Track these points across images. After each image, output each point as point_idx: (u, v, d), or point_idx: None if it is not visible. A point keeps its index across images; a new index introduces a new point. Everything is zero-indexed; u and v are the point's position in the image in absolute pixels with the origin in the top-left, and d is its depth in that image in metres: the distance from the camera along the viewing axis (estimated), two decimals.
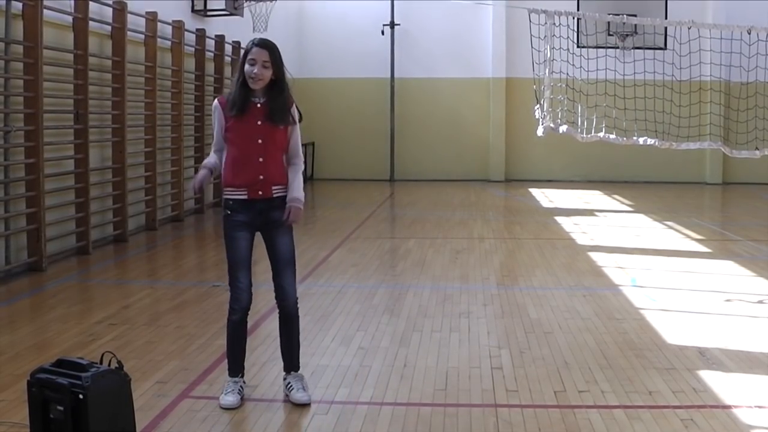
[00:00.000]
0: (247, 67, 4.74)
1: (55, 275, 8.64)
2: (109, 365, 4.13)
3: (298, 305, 5.05)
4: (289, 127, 4.88)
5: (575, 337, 6.42)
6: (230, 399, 4.86)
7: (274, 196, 4.83)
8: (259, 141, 4.78)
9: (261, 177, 4.78)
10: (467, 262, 9.71)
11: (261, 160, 4.78)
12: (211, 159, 4.97)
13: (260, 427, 4.57)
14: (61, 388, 3.91)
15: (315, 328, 6.52)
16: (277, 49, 4.82)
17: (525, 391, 5.15)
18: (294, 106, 4.90)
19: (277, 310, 5.06)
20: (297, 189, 4.89)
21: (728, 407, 4.86)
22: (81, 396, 3.88)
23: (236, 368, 5.01)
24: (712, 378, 5.39)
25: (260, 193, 4.80)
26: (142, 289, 8.11)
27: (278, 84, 4.79)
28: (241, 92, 4.77)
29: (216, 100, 4.95)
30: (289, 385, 4.98)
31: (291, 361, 5.04)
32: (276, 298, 4.99)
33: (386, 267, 9.66)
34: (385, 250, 10.82)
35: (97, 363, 4.11)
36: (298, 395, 4.90)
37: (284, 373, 5.06)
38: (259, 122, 4.78)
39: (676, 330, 6.61)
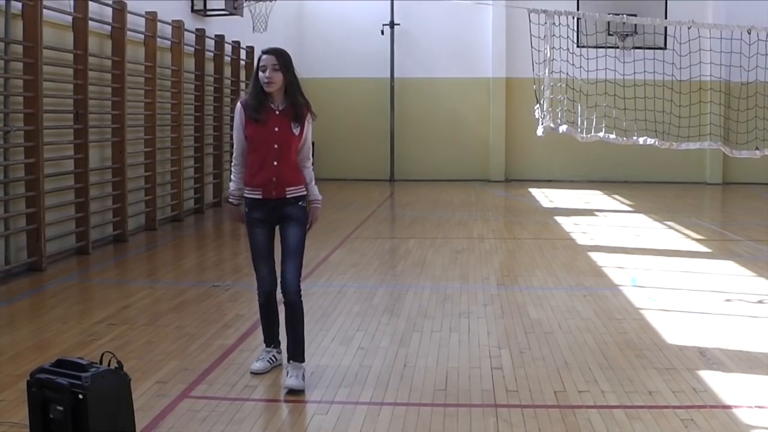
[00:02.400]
0: (260, 74, 5.09)
1: (55, 275, 8.64)
2: (109, 365, 4.13)
3: (302, 298, 5.22)
4: (303, 133, 5.21)
5: (575, 337, 6.42)
6: (257, 365, 5.36)
7: (288, 196, 5.18)
8: (275, 146, 5.13)
9: (274, 179, 5.14)
10: (467, 262, 9.71)
11: (275, 163, 5.12)
12: (236, 185, 5.33)
13: (260, 427, 4.57)
14: (61, 388, 3.91)
15: (315, 328, 6.52)
16: (286, 54, 5.17)
17: (525, 391, 5.15)
18: (310, 120, 5.25)
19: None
20: (316, 191, 5.36)
21: (728, 407, 4.86)
22: (81, 396, 3.88)
23: (268, 339, 5.47)
24: (712, 378, 5.39)
25: (274, 193, 5.16)
26: (142, 289, 8.11)
27: (291, 88, 5.14)
28: (259, 97, 5.12)
29: (239, 102, 5.24)
30: (286, 373, 5.18)
31: (291, 349, 5.20)
32: (280, 285, 5.21)
33: (386, 267, 9.66)
34: (385, 250, 10.82)
35: (97, 363, 4.11)
36: (287, 381, 5.07)
37: (286, 363, 5.27)
38: (277, 129, 5.11)
39: (676, 330, 6.61)
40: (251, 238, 5.26)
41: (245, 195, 5.26)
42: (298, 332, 5.21)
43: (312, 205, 5.32)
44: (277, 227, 5.28)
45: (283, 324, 5.30)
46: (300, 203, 5.22)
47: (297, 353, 5.19)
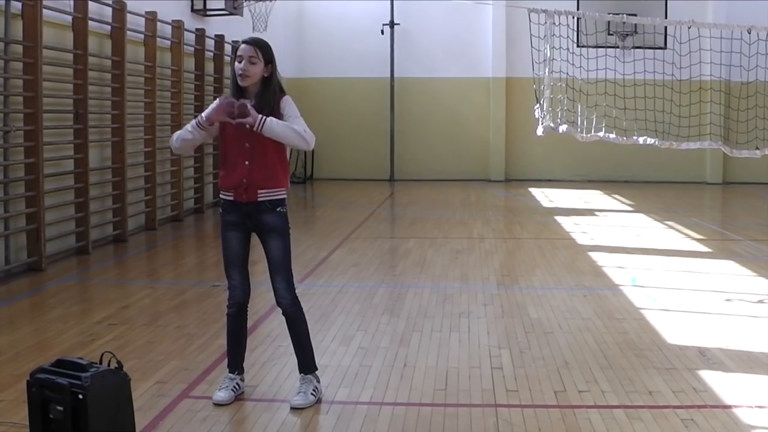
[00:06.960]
0: (235, 64, 4.74)
1: (55, 275, 8.64)
2: (109, 365, 4.13)
3: (301, 307, 5.00)
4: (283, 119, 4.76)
5: (575, 337, 6.42)
6: (220, 395, 4.90)
7: (259, 200, 4.80)
8: (246, 145, 4.76)
9: (244, 180, 4.77)
10: (467, 262, 9.71)
11: (247, 163, 4.75)
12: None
13: (260, 427, 4.57)
14: (61, 389, 3.91)
15: (315, 328, 6.49)
16: (267, 46, 4.78)
17: (525, 391, 5.15)
18: (285, 98, 4.80)
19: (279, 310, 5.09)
20: (273, 119, 4.66)
21: (728, 407, 4.86)
22: (81, 396, 3.88)
23: (233, 364, 5.06)
24: (712, 378, 5.39)
25: (244, 196, 4.80)
26: (142, 289, 8.11)
27: (269, 83, 4.76)
28: (234, 93, 4.78)
29: (218, 100, 4.87)
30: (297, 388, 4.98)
31: (299, 361, 5.01)
32: (275, 299, 5.00)
33: (386, 267, 9.65)
34: (385, 250, 10.82)
35: (96, 363, 4.11)
36: (293, 399, 4.88)
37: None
38: (248, 125, 4.70)
39: (676, 330, 6.61)
40: (223, 242, 4.91)
41: (220, 196, 4.93)
42: (302, 343, 4.98)
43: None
44: (253, 235, 4.93)
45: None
46: (278, 209, 4.82)
47: (304, 364, 4.97)
